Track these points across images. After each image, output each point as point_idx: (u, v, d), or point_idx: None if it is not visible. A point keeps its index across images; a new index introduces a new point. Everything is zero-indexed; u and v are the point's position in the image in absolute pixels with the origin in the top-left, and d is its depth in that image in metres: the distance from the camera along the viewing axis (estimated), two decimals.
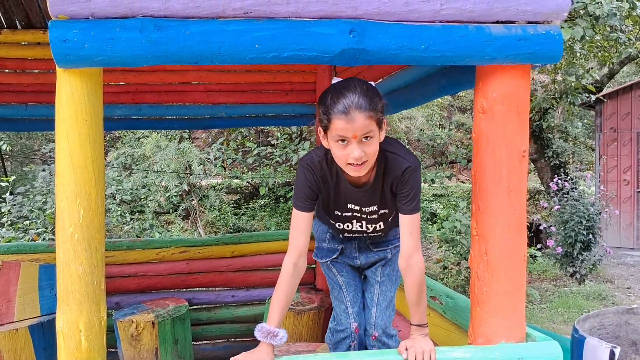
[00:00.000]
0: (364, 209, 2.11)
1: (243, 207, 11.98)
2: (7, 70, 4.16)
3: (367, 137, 1.79)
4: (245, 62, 1.60)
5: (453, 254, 6.68)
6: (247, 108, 4.32)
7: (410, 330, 1.98)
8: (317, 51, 1.60)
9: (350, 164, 1.82)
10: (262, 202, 11.71)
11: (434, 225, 9.76)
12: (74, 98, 1.54)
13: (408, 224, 1.98)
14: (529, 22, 1.72)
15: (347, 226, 2.19)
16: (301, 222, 2.00)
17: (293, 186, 2.12)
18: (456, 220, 6.37)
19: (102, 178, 1.58)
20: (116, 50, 1.51)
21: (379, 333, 2.26)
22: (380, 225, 2.19)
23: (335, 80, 1.95)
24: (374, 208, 2.11)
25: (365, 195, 2.06)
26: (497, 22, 1.70)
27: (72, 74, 1.54)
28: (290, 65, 4.25)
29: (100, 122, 1.58)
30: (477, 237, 1.75)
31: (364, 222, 2.16)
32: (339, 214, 2.14)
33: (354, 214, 2.13)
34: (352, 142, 1.78)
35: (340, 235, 2.32)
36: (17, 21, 4.11)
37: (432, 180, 9.99)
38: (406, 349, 1.76)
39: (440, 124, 16.79)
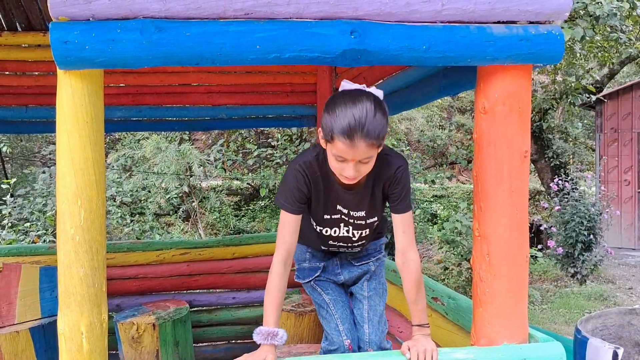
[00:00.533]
0: (352, 213, 2.10)
1: (243, 208, 11.98)
2: (7, 73, 4.16)
3: (365, 162, 1.80)
4: (246, 63, 1.60)
5: (454, 254, 6.67)
6: (247, 109, 4.32)
7: (412, 331, 1.98)
8: (319, 52, 1.59)
9: (342, 175, 1.84)
10: (263, 204, 11.70)
11: (434, 226, 9.76)
12: (75, 99, 1.53)
13: (401, 222, 2.00)
14: (530, 22, 1.72)
15: (335, 231, 2.15)
16: (290, 224, 1.98)
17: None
18: (457, 221, 6.37)
19: (103, 180, 1.57)
20: (117, 52, 1.51)
21: (374, 349, 2.24)
22: (365, 232, 2.17)
23: (345, 84, 1.87)
24: (362, 214, 2.10)
25: (355, 198, 2.05)
26: (499, 22, 1.70)
27: (73, 75, 1.54)
28: (290, 66, 4.25)
29: (101, 124, 1.58)
30: (479, 238, 1.74)
31: (350, 227, 2.14)
32: (328, 217, 2.12)
33: (342, 216, 2.11)
34: (349, 163, 1.78)
35: (322, 247, 2.28)
36: (17, 23, 4.11)
37: (433, 181, 9.98)
38: (408, 349, 1.75)
39: (440, 125, 16.81)
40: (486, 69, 1.74)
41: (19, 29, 4.13)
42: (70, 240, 1.51)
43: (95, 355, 1.53)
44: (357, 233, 2.16)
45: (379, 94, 1.82)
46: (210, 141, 12.83)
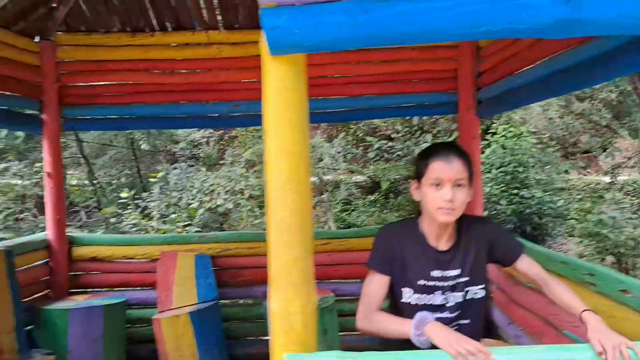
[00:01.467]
0: (446, 274, 2.06)
1: (353, 202, 11.89)
2: (156, 71, 4.40)
3: (459, 184, 1.96)
4: (451, 40, 1.55)
5: (597, 248, 6.23)
6: (387, 99, 4.27)
7: (583, 317, 1.83)
8: (529, 24, 1.49)
9: (440, 207, 1.95)
10: (372, 198, 11.55)
11: (566, 220, 9.16)
12: (283, 84, 1.55)
13: (528, 264, 2.12)
14: None
15: (429, 299, 2.08)
16: (374, 284, 2.15)
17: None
18: (601, 212, 5.94)
19: (307, 164, 1.58)
20: (324, 35, 1.50)
21: None
22: (463, 300, 2.07)
23: None
24: (457, 272, 2.07)
25: (448, 255, 2.08)
26: None
27: (279, 61, 1.55)
28: (429, 52, 4.16)
29: (306, 108, 1.59)
30: None
31: (448, 293, 2.06)
32: (423, 283, 2.07)
33: (437, 283, 2.06)
34: (446, 185, 1.94)
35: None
36: (167, 23, 4.35)
37: (566, 172, 9.43)
38: (602, 346, 1.59)
39: (561, 115, 15.85)
40: None
41: (169, 29, 4.37)
42: (281, 223, 1.54)
43: (309, 335, 1.55)
44: (453, 299, 2.07)
45: None
46: (325, 135, 12.95)
